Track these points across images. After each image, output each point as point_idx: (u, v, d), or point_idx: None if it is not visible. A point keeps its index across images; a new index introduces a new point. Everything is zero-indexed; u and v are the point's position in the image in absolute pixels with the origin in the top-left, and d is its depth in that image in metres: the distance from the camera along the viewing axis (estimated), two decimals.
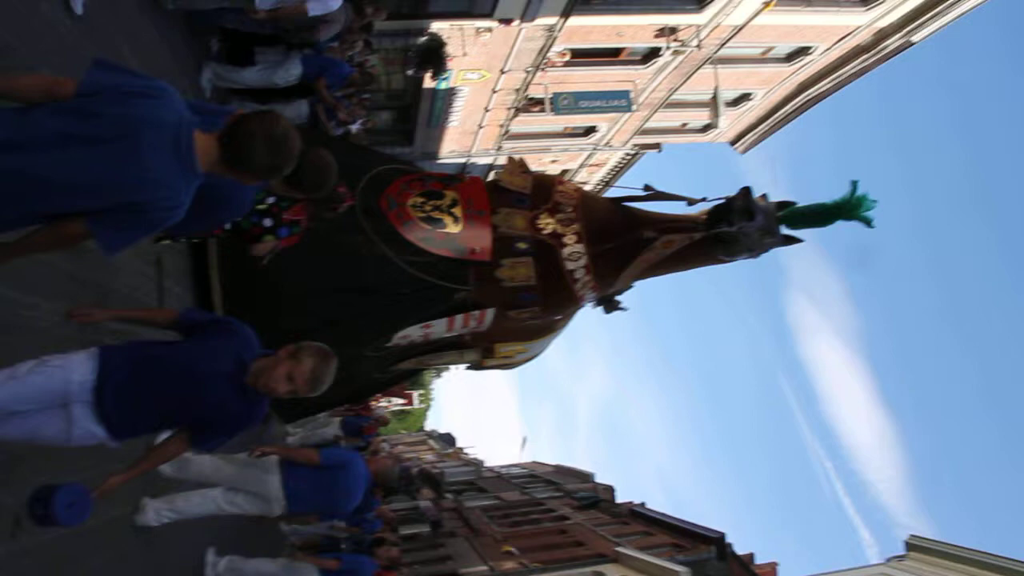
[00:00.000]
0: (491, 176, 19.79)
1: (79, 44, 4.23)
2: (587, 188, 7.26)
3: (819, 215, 6.36)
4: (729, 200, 6.22)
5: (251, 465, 5.01)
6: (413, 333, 6.88)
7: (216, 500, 4.98)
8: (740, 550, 18.59)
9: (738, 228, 6.08)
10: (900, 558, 15.01)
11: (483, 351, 7.85)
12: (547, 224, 6.36)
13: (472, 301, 6.49)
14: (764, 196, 6.41)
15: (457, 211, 6.17)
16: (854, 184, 6.16)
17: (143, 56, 5.34)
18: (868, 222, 6.17)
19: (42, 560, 3.40)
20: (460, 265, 6.18)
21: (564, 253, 6.36)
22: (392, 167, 6.47)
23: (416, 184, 6.29)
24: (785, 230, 6.52)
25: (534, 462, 35.45)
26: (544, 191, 6.59)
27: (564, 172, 22.80)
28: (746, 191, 6.22)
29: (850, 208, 6.16)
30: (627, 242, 6.40)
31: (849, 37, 16.37)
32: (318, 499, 5.13)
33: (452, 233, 6.08)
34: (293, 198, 5.37)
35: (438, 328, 6.88)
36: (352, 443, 12.55)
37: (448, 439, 46.86)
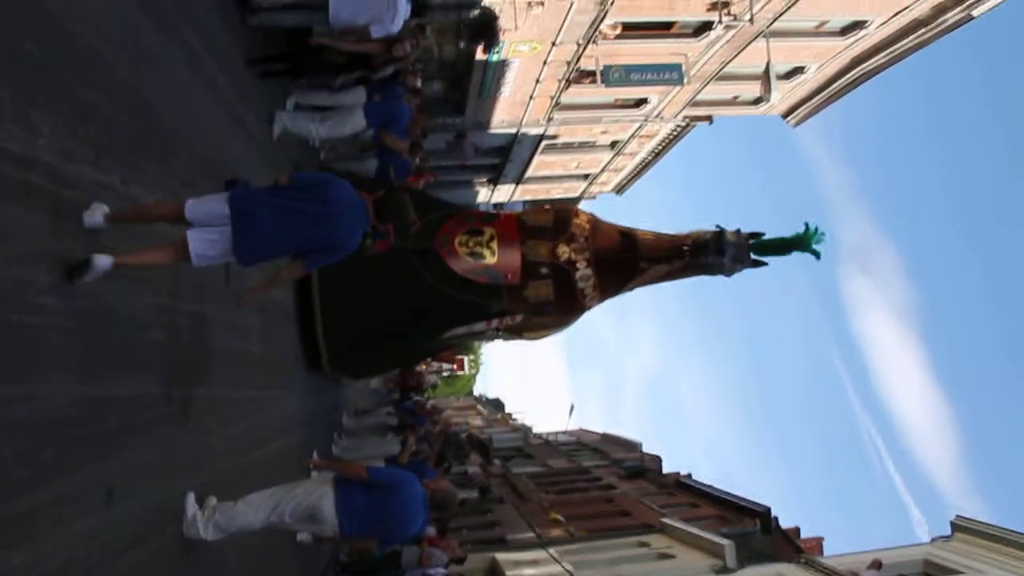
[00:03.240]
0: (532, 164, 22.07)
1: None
2: (598, 217, 10.27)
3: (780, 246, 9.30)
4: (705, 240, 9.17)
5: (302, 485, 5.50)
6: (459, 329, 10.09)
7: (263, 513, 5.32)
8: (785, 524, 21.10)
9: (711, 261, 9.05)
10: (946, 539, 16.99)
11: (514, 335, 11.04)
12: (564, 252, 9.42)
13: (505, 310, 9.60)
14: (737, 231, 9.32)
15: (494, 245, 9.27)
16: (806, 224, 9.07)
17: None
18: (817, 255, 9.07)
19: None
20: (496, 287, 9.26)
21: (577, 276, 9.42)
22: (444, 213, 9.56)
23: (462, 224, 9.40)
24: (754, 256, 9.45)
25: (581, 430, 38.40)
26: (563, 224, 9.62)
27: (615, 143, 25.34)
28: (719, 234, 9.18)
29: (803, 242, 9.08)
30: (626, 267, 9.42)
31: (906, 11, 17.98)
32: (373, 524, 5.38)
33: (490, 264, 9.19)
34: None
35: (478, 326, 10.07)
36: (406, 420, 15.25)
37: (497, 404, 50.49)
